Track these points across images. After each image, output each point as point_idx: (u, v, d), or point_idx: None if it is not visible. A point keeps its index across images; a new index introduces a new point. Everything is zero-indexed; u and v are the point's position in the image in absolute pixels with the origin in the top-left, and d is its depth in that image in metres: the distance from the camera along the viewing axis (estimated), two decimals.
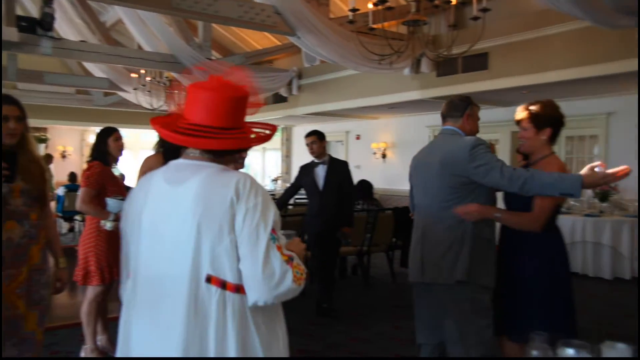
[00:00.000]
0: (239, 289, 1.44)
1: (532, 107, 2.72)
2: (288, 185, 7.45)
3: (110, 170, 3.84)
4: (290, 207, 7.97)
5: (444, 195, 2.70)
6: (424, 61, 7.67)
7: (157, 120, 1.57)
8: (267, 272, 1.40)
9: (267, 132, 1.62)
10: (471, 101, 2.89)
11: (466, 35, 5.85)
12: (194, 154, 1.55)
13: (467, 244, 2.64)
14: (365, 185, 7.40)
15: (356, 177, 6.40)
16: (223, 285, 1.43)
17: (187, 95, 1.56)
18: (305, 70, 10.15)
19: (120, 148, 3.87)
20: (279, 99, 10.87)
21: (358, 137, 12.71)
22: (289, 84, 10.09)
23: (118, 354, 1.58)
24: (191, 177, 1.49)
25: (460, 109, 2.83)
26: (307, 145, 5.22)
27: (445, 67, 7.77)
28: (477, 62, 7.50)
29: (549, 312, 2.65)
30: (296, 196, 6.79)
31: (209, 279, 1.43)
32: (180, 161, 1.57)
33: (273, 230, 1.44)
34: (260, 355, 1.46)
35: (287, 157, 14.56)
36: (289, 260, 1.45)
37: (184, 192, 1.47)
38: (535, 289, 2.64)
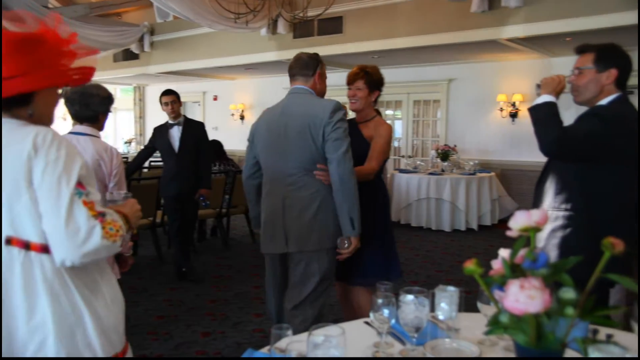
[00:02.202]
0: (46, 248, 1.34)
1: (368, 70, 2.93)
2: (142, 147, 7.09)
3: None
4: (145, 170, 7.63)
5: (307, 159, 2.60)
6: (280, 22, 7.65)
7: None
8: (71, 228, 1.31)
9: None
10: (321, 59, 2.79)
11: None
12: None
13: (329, 209, 2.61)
14: (216, 145, 7.26)
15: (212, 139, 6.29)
16: (26, 246, 1.35)
17: None
18: (157, 26, 9.60)
19: None
20: (129, 56, 10.18)
21: (215, 98, 12.43)
22: (140, 40, 9.49)
23: None
24: None
25: (312, 67, 2.72)
26: (166, 104, 4.99)
27: (302, 29, 7.84)
28: (332, 26, 7.67)
29: (387, 254, 2.95)
30: (151, 159, 6.50)
31: (9, 241, 1.34)
32: None
33: (80, 185, 1.35)
34: (85, 315, 1.39)
35: (140, 118, 13.80)
36: (99, 215, 1.36)
37: None
38: (374, 234, 2.87)
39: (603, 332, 1.19)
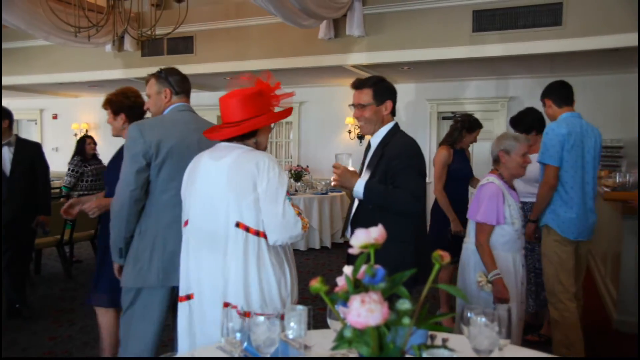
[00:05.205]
0: (258, 233, 2.06)
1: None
2: None
3: None
4: None
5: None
6: (127, 39, 7.35)
7: None
8: (286, 219, 2.04)
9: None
10: None
11: (172, 16, 5.82)
12: (228, 140, 2.16)
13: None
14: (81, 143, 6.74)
15: (54, 161, 5.81)
16: (247, 229, 2.05)
17: None
18: None
19: None
20: None
21: (55, 117, 11.50)
22: None
23: (181, 282, 2.22)
24: (227, 155, 2.11)
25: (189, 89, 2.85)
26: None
27: (151, 48, 7.61)
28: (183, 45, 7.55)
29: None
30: None
31: (237, 224, 2.05)
32: (222, 144, 2.16)
33: (287, 192, 2.09)
34: (273, 283, 2.08)
35: None
36: (299, 214, 2.09)
37: (222, 165, 2.09)
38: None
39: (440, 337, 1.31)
